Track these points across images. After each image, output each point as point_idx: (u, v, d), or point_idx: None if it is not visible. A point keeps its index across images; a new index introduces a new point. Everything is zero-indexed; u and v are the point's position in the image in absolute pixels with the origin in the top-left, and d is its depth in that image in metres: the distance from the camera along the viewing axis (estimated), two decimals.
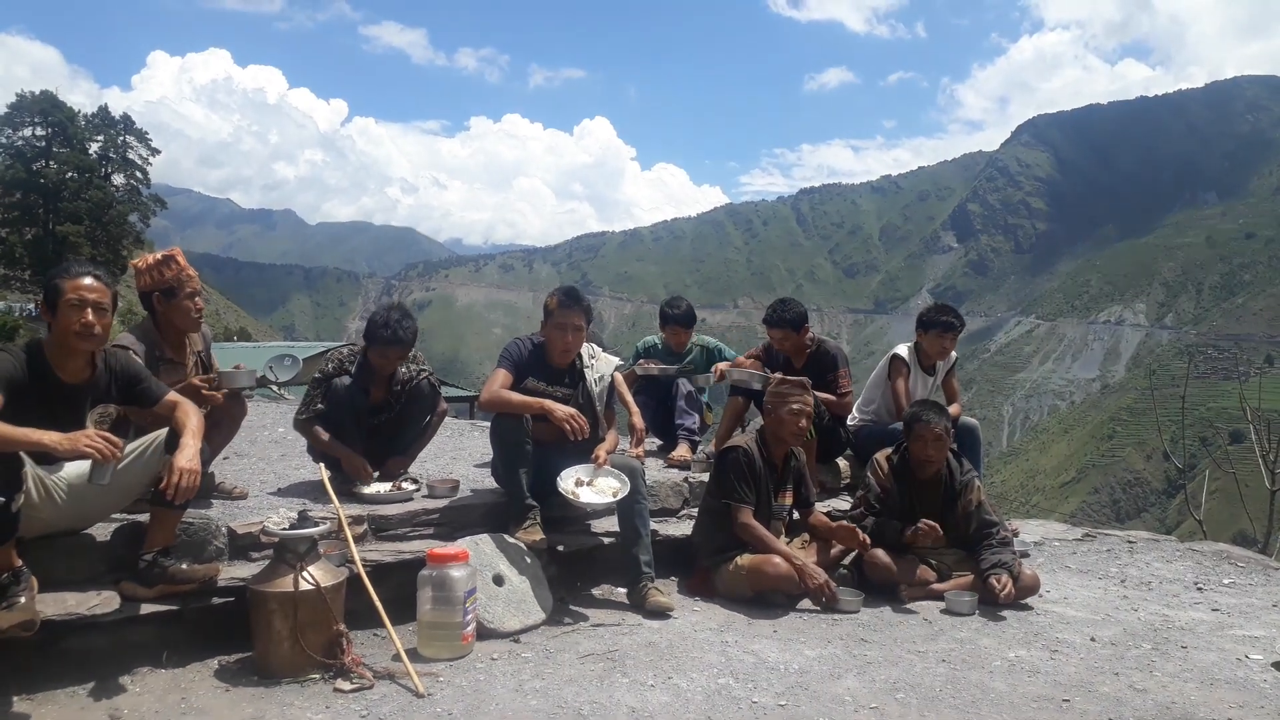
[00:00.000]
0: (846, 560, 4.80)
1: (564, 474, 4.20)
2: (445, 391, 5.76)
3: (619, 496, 4.16)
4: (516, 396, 4.19)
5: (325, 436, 4.44)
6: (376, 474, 4.54)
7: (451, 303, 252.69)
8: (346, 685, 3.17)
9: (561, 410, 4.10)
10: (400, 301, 4.90)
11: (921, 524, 4.60)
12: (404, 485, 4.41)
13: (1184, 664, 3.76)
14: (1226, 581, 5.35)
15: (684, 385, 6.09)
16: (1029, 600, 4.63)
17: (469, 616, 3.56)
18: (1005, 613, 4.43)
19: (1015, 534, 5.77)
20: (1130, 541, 6.40)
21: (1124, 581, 5.30)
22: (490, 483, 4.71)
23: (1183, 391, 11.62)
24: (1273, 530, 8.62)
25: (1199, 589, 5.15)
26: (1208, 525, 9.03)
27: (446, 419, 5.66)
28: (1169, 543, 6.50)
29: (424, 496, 4.43)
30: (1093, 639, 4.06)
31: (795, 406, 4.67)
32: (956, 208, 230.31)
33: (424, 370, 4.72)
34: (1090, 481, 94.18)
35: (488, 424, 4.71)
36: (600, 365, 4.62)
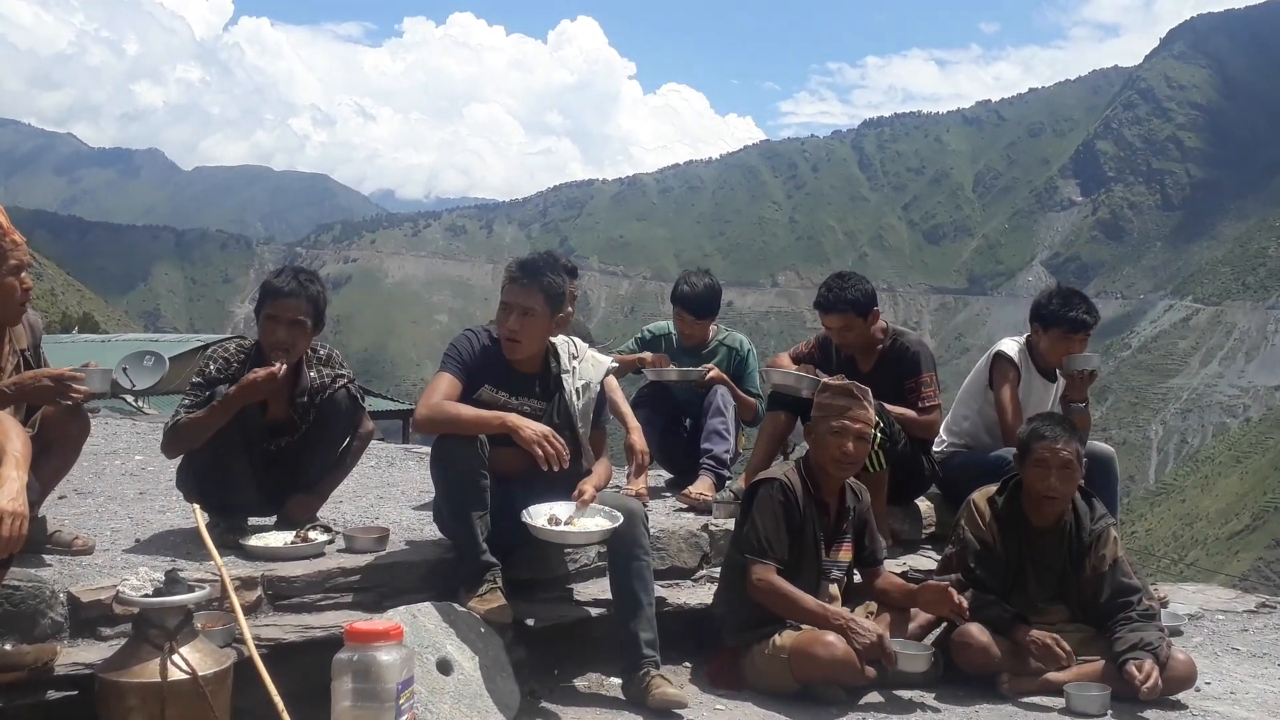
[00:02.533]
0: (930, 639, 4.82)
1: (534, 509, 4.22)
2: (371, 404, 5.79)
3: (614, 525, 4.19)
4: (467, 411, 4.20)
5: (199, 412, 4.41)
6: (274, 519, 4.55)
7: (379, 278, 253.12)
8: None
9: (530, 429, 4.11)
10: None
11: (1040, 637, 4.60)
12: (312, 535, 4.42)
13: None
14: None
15: (719, 396, 6.10)
16: (1182, 696, 4.65)
17: (404, 718, 3.55)
18: (1149, 713, 4.45)
19: (1164, 604, 5.80)
20: None
21: None
22: (433, 531, 4.72)
23: None
24: None
25: None
26: None
27: (372, 442, 5.67)
28: None
29: (341, 550, 4.43)
30: None
31: (841, 423, 4.66)
32: (1081, 147, 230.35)
33: (341, 375, 4.73)
34: (1271, 530, 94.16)
35: (428, 450, 4.72)
36: (586, 369, 4.63)
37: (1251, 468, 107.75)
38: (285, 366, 4.37)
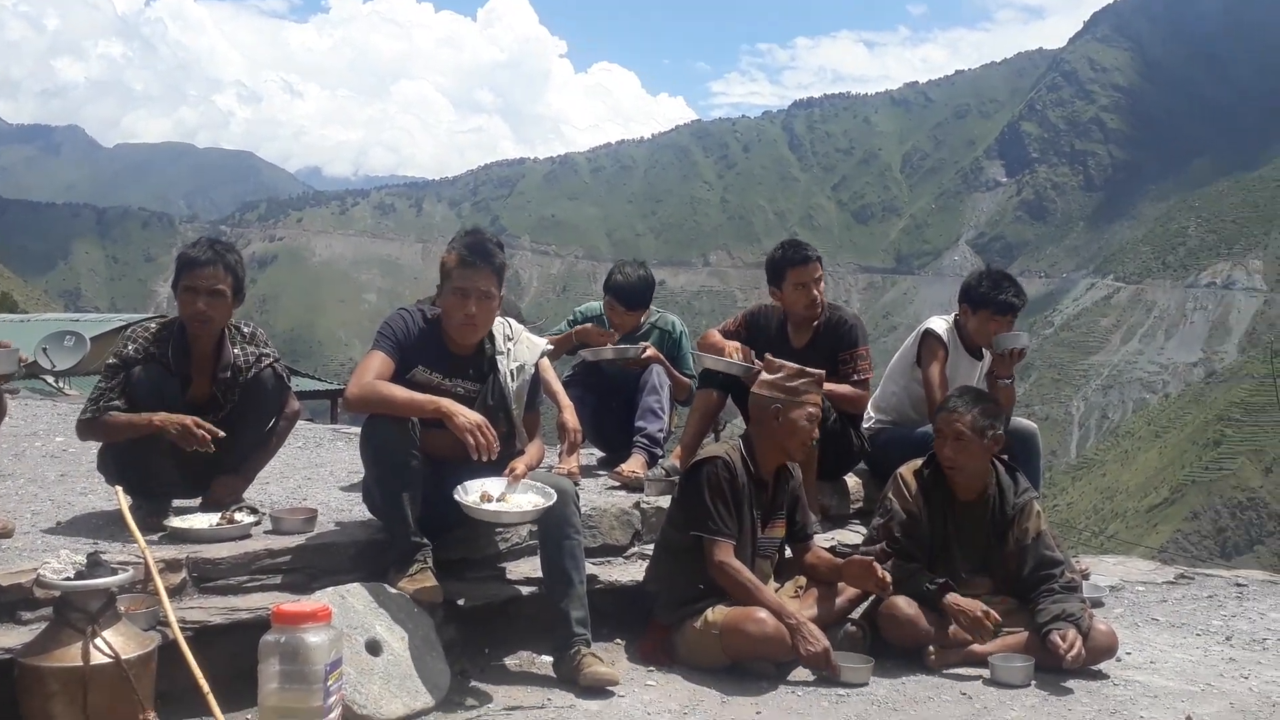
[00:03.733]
0: (857, 613, 4.87)
1: (467, 485, 4.20)
2: (297, 384, 5.72)
3: (549, 503, 4.19)
4: (400, 392, 4.16)
5: (122, 419, 4.38)
6: (198, 501, 4.48)
7: (306, 257, 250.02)
8: None
9: (464, 417, 4.08)
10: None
11: (967, 606, 4.65)
12: (238, 517, 4.37)
13: None
14: None
15: (655, 375, 6.12)
16: (1103, 665, 4.74)
17: (332, 699, 3.51)
18: (1071, 683, 4.53)
19: (1085, 576, 5.91)
20: (1239, 584, 6.59)
21: (1230, 639, 5.45)
22: (362, 512, 4.69)
23: None
24: None
25: None
26: None
27: (299, 423, 5.62)
28: None
29: (267, 532, 4.39)
30: (1189, 719, 4.17)
31: (814, 410, 4.78)
32: (1006, 128, 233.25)
33: (266, 354, 4.68)
34: (1188, 503, 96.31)
35: (357, 430, 4.68)
36: (521, 351, 4.61)
37: (1170, 442, 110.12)
38: (212, 449, 4.32)
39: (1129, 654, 5.00)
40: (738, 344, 5.86)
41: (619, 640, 4.78)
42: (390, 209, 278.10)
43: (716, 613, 4.48)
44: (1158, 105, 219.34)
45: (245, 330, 4.71)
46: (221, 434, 4.35)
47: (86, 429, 4.49)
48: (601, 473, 6.16)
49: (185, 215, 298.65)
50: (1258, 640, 5.43)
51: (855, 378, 5.75)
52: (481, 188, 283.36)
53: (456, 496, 4.12)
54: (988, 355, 6.19)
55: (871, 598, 4.86)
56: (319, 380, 30.25)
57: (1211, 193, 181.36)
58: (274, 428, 4.80)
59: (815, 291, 5.74)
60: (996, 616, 4.64)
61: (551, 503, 4.19)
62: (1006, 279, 6.09)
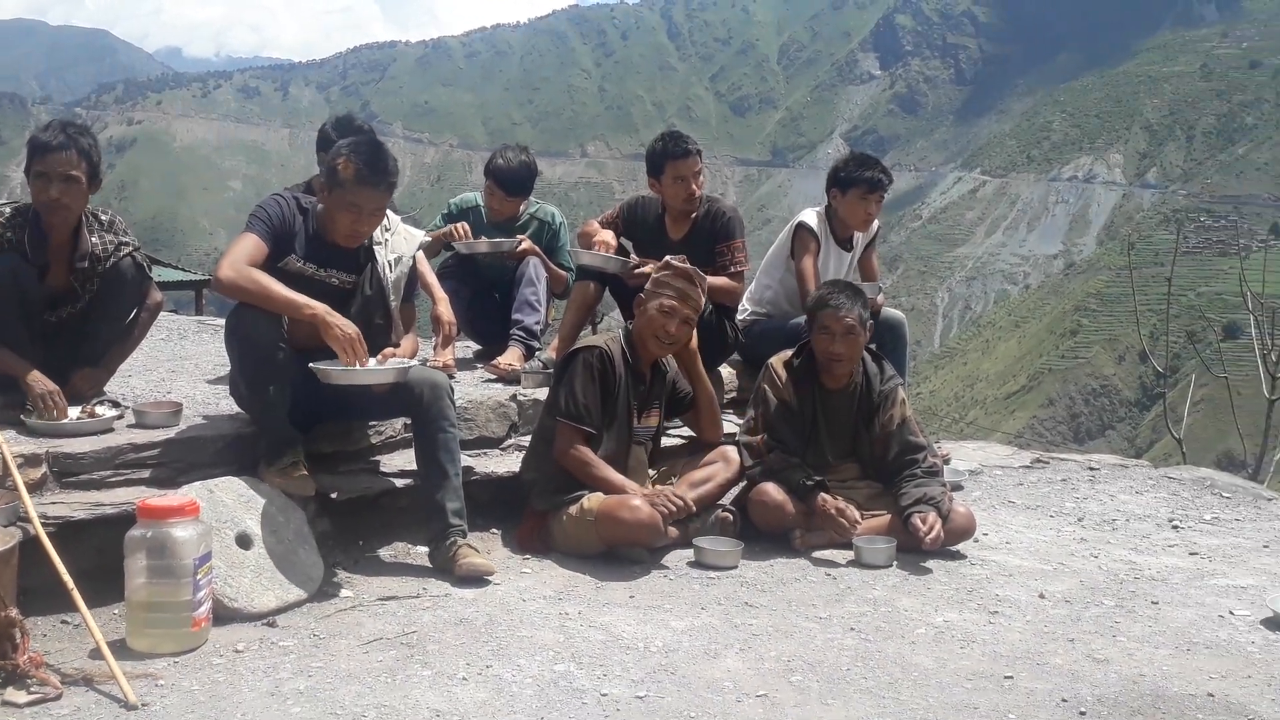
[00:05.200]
0: (728, 498, 4.97)
1: (327, 363, 4.10)
2: (159, 274, 5.54)
3: (407, 366, 4.16)
4: (279, 288, 4.01)
5: None
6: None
7: (167, 142, 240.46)
8: (21, 696, 3.08)
9: (340, 328, 3.98)
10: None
11: (832, 507, 4.76)
12: (100, 410, 4.27)
13: (1155, 624, 4.09)
14: (1208, 517, 5.82)
15: (531, 267, 6.07)
16: (962, 546, 4.92)
17: (201, 593, 3.51)
18: (931, 563, 4.70)
19: (946, 460, 6.09)
20: (1092, 468, 6.87)
21: (1082, 520, 5.69)
22: (229, 405, 4.61)
23: (1169, 272, 12.41)
24: (1267, 450, 9.42)
25: (1175, 527, 5.59)
26: (1189, 445, 9.80)
27: (163, 314, 5.47)
28: (1140, 469, 7.01)
29: (131, 426, 4.30)
30: (1042, 596, 4.37)
31: (672, 303, 4.75)
32: (881, 20, 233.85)
33: (126, 243, 4.53)
34: (1045, 391, 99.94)
35: (223, 322, 4.57)
36: (398, 242, 4.54)
37: (1029, 332, 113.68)
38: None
39: (986, 535, 5.19)
40: (610, 233, 5.83)
41: (495, 530, 4.81)
42: (255, 92, 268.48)
43: (592, 500, 4.53)
44: None
45: (103, 218, 4.53)
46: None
47: None
48: (478, 365, 6.13)
49: (38, 96, 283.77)
50: (1108, 521, 5.68)
51: (732, 269, 5.77)
52: (351, 71, 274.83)
53: (311, 365, 4.03)
54: (857, 246, 6.29)
55: (743, 484, 4.96)
56: (182, 270, 29.38)
57: (1076, 87, 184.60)
58: (135, 319, 4.66)
59: (694, 185, 5.72)
60: (857, 517, 4.77)
61: (410, 366, 4.16)
62: (872, 159, 6.22)
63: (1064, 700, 3.34)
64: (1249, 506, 6.06)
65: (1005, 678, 3.51)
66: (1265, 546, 5.27)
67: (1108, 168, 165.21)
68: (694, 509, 4.65)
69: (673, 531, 4.64)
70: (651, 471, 5.00)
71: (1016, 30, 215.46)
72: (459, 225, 6.15)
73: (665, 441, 5.23)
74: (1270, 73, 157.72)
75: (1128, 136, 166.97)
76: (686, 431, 5.40)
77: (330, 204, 4.21)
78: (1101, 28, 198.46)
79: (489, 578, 4.19)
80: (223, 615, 3.68)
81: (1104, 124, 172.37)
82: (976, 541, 5.03)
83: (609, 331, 5.05)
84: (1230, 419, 10.35)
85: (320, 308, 4.01)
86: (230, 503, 3.96)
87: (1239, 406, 10.31)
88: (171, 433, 4.26)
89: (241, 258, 4.04)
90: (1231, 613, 4.23)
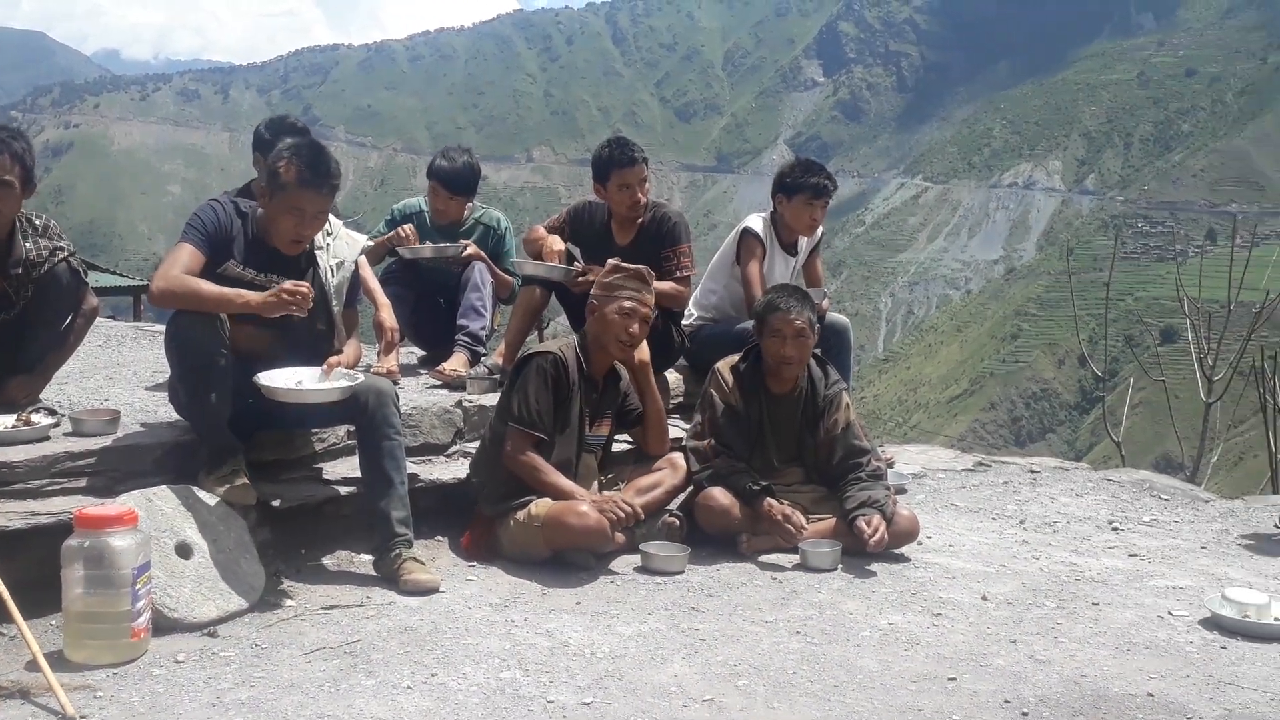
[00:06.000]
0: (675, 504, 4.98)
1: (272, 373, 4.07)
2: (96, 279, 5.46)
3: (354, 383, 4.12)
4: (208, 287, 3.98)
5: None
6: None
7: (104, 146, 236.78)
8: None
9: (272, 298, 3.94)
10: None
11: (778, 513, 4.78)
12: (35, 418, 4.19)
13: (1095, 626, 4.14)
14: (1147, 519, 5.92)
15: (477, 272, 6.04)
16: (906, 549, 4.96)
17: (141, 603, 3.46)
18: (876, 566, 4.73)
19: (890, 464, 6.13)
20: (1033, 471, 6.95)
21: (1023, 522, 5.76)
22: (168, 412, 4.54)
23: (1107, 277, 12.56)
24: (1204, 452, 9.59)
25: (1114, 529, 5.68)
26: (1128, 448, 9.96)
27: (101, 320, 5.39)
28: (1080, 471, 7.11)
29: (68, 434, 4.22)
30: (984, 598, 4.41)
31: (628, 304, 4.75)
32: (824, 28, 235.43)
33: (61, 248, 4.46)
34: (986, 394, 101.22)
35: (162, 328, 4.51)
36: (340, 247, 4.50)
37: (970, 336, 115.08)
38: None
39: (930, 538, 5.24)
40: (557, 238, 5.82)
41: (441, 537, 4.78)
42: (194, 95, 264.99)
43: (540, 505, 4.52)
44: (967, 7, 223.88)
45: (37, 223, 4.46)
46: None
47: None
48: (422, 372, 6.09)
49: None
50: (1049, 523, 5.75)
51: (678, 274, 5.76)
52: (293, 75, 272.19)
53: (257, 380, 4.00)
54: (802, 251, 6.33)
55: (690, 488, 4.97)
56: (120, 275, 28.97)
57: (1016, 95, 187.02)
58: (71, 325, 4.59)
59: (639, 193, 5.71)
60: (803, 523, 4.80)
61: (357, 383, 4.12)
62: (816, 164, 6.28)
63: (1007, 701, 3.38)
64: (1187, 508, 6.16)
65: (949, 679, 3.54)
66: (1203, 548, 5.36)
67: (1047, 174, 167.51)
68: (641, 515, 4.64)
69: (620, 537, 4.62)
70: (600, 478, 4.99)
71: (957, 38, 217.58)
72: (405, 228, 6.12)
73: (614, 448, 5.22)
74: (1205, 81, 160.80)
75: (1066, 144, 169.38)
76: None
77: (272, 209, 4.16)
78: (1040, 37, 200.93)
79: (434, 590, 4.16)
80: (162, 625, 3.63)
81: (1043, 131, 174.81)
82: (920, 544, 5.07)
83: (561, 337, 5.04)
84: (1168, 422, 10.51)
85: (253, 294, 3.98)
86: (169, 512, 3.91)
87: (1176, 410, 10.48)
88: (109, 441, 4.19)
89: (174, 267, 3.99)
90: (1170, 613, 4.29)
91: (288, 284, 3.96)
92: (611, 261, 4.97)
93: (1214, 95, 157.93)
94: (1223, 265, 10.49)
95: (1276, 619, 4.09)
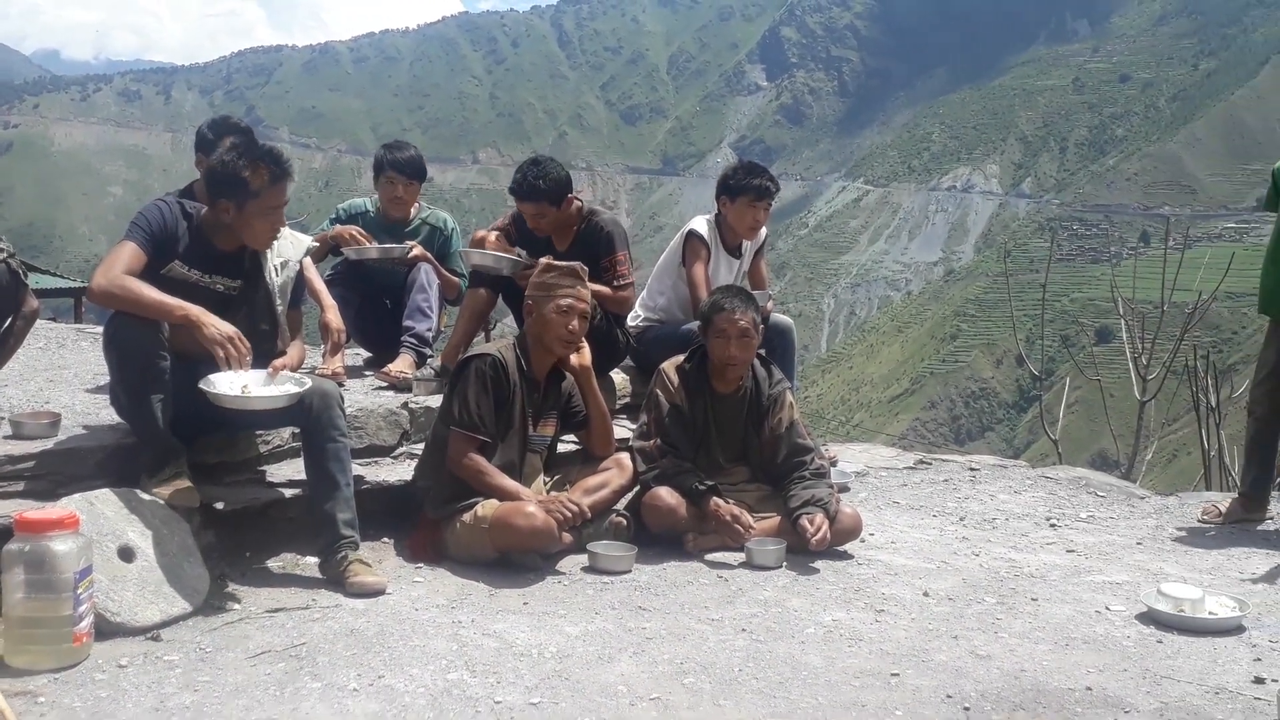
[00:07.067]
0: (622, 504, 4.98)
1: (216, 377, 4.00)
2: (36, 281, 5.37)
3: (301, 390, 4.08)
4: (149, 292, 3.91)
5: None
6: None
7: (44, 146, 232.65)
8: None
9: (214, 328, 3.89)
10: None
11: (724, 513, 4.80)
12: None
13: (1034, 620, 4.19)
14: (1084, 515, 6.00)
15: (423, 273, 6.00)
16: (849, 546, 5.00)
17: (83, 608, 3.41)
18: (820, 563, 4.76)
19: (834, 462, 6.18)
20: (972, 469, 7.03)
21: (964, 519, 5.82)
22: (110, 415, 4.47)
23: (1043, 279, 12.72)
24: (1139, 450, 9.75)
25: (1052, 526, 5.75)
26: (1064, 446, 10.09)
27: (41, 322, 5.30)
28: (1018, 469, 7.20)
29: (7, 437, 4.18)
30: (926, 594, 4.45)
31: (565, 302, 4.73)
32: (767, 32, 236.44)
33: (1, 250, 4.37)
34: (927, 393, 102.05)
35: (102, 329, 4.43)
36: (285, 247, 4.47)
37: (911, 336, 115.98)
38: None
39: (872, 535, 5.28)
40: (498, 233, 5.78)
41: (387, 539, 4.75)
42: (136, 96, 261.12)
43: (486, 507, 4.50)
44: (908, 13, 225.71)
45: None
46: None
47: None
48: (368, 373, 6.05)
49: None
50: (988, 520, 5.82)
51: (616, 284, 5.72)
52: (235, 75, 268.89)
53: (201, 385, 3.95)
54: (746, 253, 6.35)
55: (637, 489, 4.97)
56: (60, 277, 28.49)
57: (954, 100, 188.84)
58: (10, 327, 4.51)
59: (538, 223, 5.62)
60: (751, 522, 4.82)
61: (304, 389, 4.08)
62: (760, 167, 6.29)
63: (948, 696, 3.41)
64: (1122, 504, 6.26)
65: (892, 675, 3.56)
66: (1138, 543, 5.45)
67: (985, 178, 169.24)
68: (589, 515, 4.64)
69: (567, 537, 4.62)
70: (546, 478, 4.98)
71: (897, 44, 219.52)
72: (350, 228, 6.07)
73: (560, 448, 5.21)
74: (1139, 86, 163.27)
75: (1004, 148, 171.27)
76: None
77: (245, 216, 4.11)
78: (978, 43, 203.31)
79: (380, 593, 4.13)
80: (105, 630, 3.58)
81: (981, 136, 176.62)
82: (863, 541, 5.11)
83: (505, 339, 5.02)
84: (1104, 420, 10.69)
85: (193, 309, 3.91)
86: (111, 515, 3.85)
87: (1112, 408, 10.65)
88: (50, 444, 4.14)
89: (116, 266, 3.94)
90: (1107, 608, 4.35)
91: (235, 340, 3.90)
92: (544, 260, 4.96)
93: (1147, 100, 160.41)
94: (1156, 267, 10.66)
95: (1210, 613, 4.17)
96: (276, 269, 4.39)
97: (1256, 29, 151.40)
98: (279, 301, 4.38)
